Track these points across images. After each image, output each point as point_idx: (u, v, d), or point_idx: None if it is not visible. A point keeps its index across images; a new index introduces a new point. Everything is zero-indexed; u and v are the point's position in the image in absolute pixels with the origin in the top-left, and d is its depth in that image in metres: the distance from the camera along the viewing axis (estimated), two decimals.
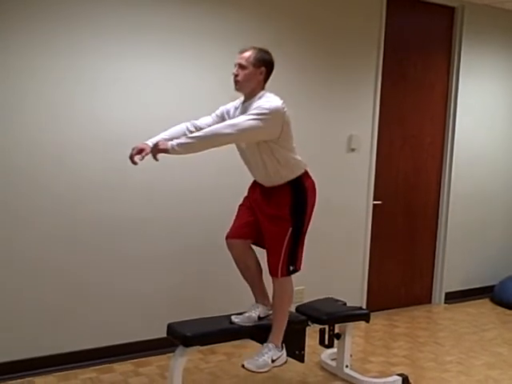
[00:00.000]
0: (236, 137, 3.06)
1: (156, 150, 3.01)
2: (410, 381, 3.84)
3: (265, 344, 3.33)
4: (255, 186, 3.46)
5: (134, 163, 3.12)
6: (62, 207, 3.77)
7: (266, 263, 3.35)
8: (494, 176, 6.05)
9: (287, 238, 3.26)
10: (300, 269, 3.40)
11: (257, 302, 3.50)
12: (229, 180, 4.25)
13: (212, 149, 3.14)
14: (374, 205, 5.23)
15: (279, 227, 3.26)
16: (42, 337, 3.79)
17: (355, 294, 5.17)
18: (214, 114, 3.46)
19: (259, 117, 3.04)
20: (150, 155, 3.08)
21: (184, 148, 2.99)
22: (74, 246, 3.84)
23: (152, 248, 4.12)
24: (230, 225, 3.51)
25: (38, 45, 3.59)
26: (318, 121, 4.77)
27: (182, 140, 2.99)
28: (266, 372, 3.31)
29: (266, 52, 3.28)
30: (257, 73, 3.21)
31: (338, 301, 4.05)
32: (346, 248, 5.09)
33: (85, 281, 3.90)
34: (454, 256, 5.80)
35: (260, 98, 3.19)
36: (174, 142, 2.99)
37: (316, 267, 4.82)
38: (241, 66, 3.20)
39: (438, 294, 5.79)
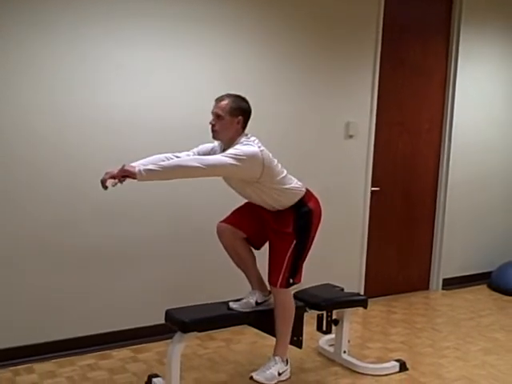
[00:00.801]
0: (204, 171, 2.99)
1: (122, 171, 2.94)
2: (408, 366, 3.87)
3: (271, 357, 3.37)
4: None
5: (105, 187, 3.02)
6: (61, 195, 3.77)
7: (267, 271, 3.36)
8: (492, 162, 6.05)
9: (290, 251, 3.29)
10: (300, 281, 3.42)
11: (253, 288, 3.51)
12: None
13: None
14: (372, 191, 5.23)
15: (283, 241, 3.29)
16: (41, 323, 3.80)
17: (353, 280, 5.18)
18: (194, 150, 3.41)
19: (232, 156, 3.01)
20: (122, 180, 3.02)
21: (150, 175, 2.92)
22: (72, 233, 3.83)
23: (150, 234, 4.11)
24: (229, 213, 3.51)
25: (37, 33, 3.56)
26: (316, 107, 4.75)
27: (150, 166, 2.93)
28: None
29: (243, 99, 3.24)
30: (234, 122, 3.17)
31: (335, 287, 4.06)
32: (343, 234, 5.09)
33: (83, 267, 3.90)
34: (451, 242, 5.82)
35: (238, 144, 3.16)
36: (142, 167, 2.92)
37: (314, 253, 4.80)
38: (218, 116, 3.17)
39: (436, 280, 5.81)
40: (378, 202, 5.31)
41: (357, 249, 5.21)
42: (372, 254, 5.33)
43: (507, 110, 6.06)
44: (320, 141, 4.80)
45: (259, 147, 3.13)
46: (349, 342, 3.97)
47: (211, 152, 3.34)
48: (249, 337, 4.31)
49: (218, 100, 3.21)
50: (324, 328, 3.86)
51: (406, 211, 5.56)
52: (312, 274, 4.70)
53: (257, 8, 4.34)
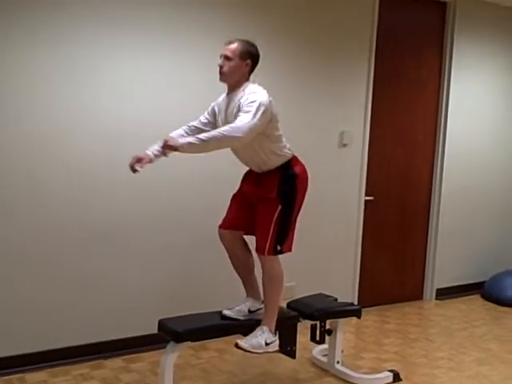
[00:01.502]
0: (244, 139, 3.05)
1: (166, 146, 3.02)
2: (401, 377, 3.86)
3: (259, 326, 3.32)
4: (246, 176, 3.50)
5: (135, 171, 3.18)
6: (57, 203, 3.76)
7: (255, 242, 3.35)
8: (486, 173, 6.07)
9: (276, 216, 3.26)
10: (289, 251, 3.38)
11: (247, 295, 3.51)
12: (220, 175, 4.24)
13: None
14: (366, 200, 5.24)
15: (268, 206, 3.28)
16: (34, 333, 3.78)
17: (346, 290, 5.18)
18: (205, 113, 3.48)
19: (257, 112, 3.05)
20: (150, 163, 3.21)
21: (193, 147, 2.99)
22: (67, 243, 3.82)
23: (143, 244, 4.11)
24: (223, 216, 3.52)
25: (35, 41, 3.57)
26: (310, 116, 4.77)
27: (192, 139, 2.99)
28: (259, 354, 3.29)
29: (252, 45, 3.29)
30: (242, 65, 3.22)
31: (329, 297, 4.05)
32: (337, 244, 5.09)
33: (77, 277, 3.89)
34: (445, 252, 5.82)
35: (244, 89, 3.20)
36: (184, 140, 3.01)
37: (307, 263, 4.83)
38: (226, 58, 3.21)
39: (429, 291, 5.81)
40: (371, 212, 5.32)
41: (350, 258, 5.21)
42: (366, 263, 5.33)
43: (501, 121, 6.09)
44: (314, 149, 4.81)
45: (267, 94, 3.18)
46: (342, 352, 3.96)
47: (215, 108, 3.41)
48: None
49: (228, 43, 3.25)
50: (317, 338, 3.86)
51: (399, 221, 5.56)
52: (305, 284, 4.71)
53: (251, 18, 4.35)
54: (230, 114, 3.23)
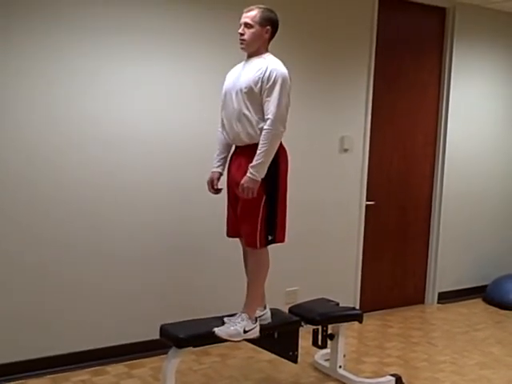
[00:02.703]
0: (284, 127, 3.16)
1: (245, 191, 3.10)
2: (404, 381, 3.85)
3: (238, 313, 3.29)
4: (229, 166, 3.44)
5: (217, 191, 3.46)
6: (56, 209, 3.76)
7: (243, 237, 3.31)
8: (487, 176, 6.07)
9: (262, 206, 3.20)
10: (282, 241, 3.32)
11: None
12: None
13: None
14: (367, 205, 5.24)
15: (252, 198, 3.16)
16: (35, 339, 3.77)
17: (348, 295, 5.17)
18: (220, 127, 3.48)
19: (284, 91, 3.15)
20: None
21: (262, 168, 3.10)
22: (66, 248, 3.82)
23: (145, 249, 4.11)
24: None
25: (34, 45, 3.58)
26: (311, 121, 4.77)
27: (255, 163, 3.08)
28: (237, 341, 3.26)
29: (272, 11, 3.29)
30: (263, 32, 3.23)
31: (330, 301, 4.05)
32: (338, 248, 5.09)
33: (78, 283, 3.89)
34: (446, 256, 5.82)
35: (265, 58, 3.22)
36: (250, 170, 3.09)
37: (309, 268, 4.82)
38: (247, 25, 3.21)
39: (431, 294, 5.81)
40: (372, 216, 5.32)
41: (352, 263, 5.21)
42: (367, 267, 5.33)
43: (501, 125, 6.09)
44: (315, 155, 4.81)
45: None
46: (344, 356, 3.95)
47: (226, 93, 3.37)
48: (244, 352, 4.29)
49: (247, 11, 3.25)
50: (319, 343, 3.85)
51: (401, 225, 5.56)
52: (307, 289, 4.71)
53: None
54: (246, 74, 3.23)
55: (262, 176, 3.10)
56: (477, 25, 5.70)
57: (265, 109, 3.15)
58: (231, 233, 3.49)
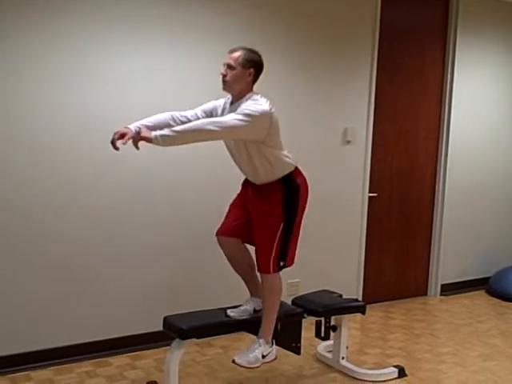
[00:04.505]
0: (220, 134, 3.01)
1: (138, 137, 2.95)
2: (406, 372, 3.86)
3: (255, 339, 3.33)
4: (247, 183, 3.44)
5: (116, 149, 3.01)
6: (59, 201, 3.76)
7: (255, 258, 3.34)
8: (490, 168, 6.06)
9: (279, 233, 3.24)
10: (291, 265, 3.38)
11: (252, 295, 3.51)
12: (223, 172, 4.24)
13: (201, 143, 3.13)
14: (370, 197, 5.24)
15: (271, 223, 3.24)
16: (38, 330, 3.79)
17: (351, 286, 5.18)
18: (199, 109, 3.38)
19: (246, 118, 3.00)
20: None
21: (166, 140, 2.92)
22: (68, 240, 3.83)
23: (148, 241, 4.11)
24: (221, 221, 3.51)
25: (36, 41, 3.57)
26: (314, 113, 4.76)
27: (165, 132, 2.92)
28: (256, 367, 3.30)
29: (256, 53, 3.23)
30: (245, 74, 3.17)
31: (333, 293, 4.05)
32: (341, 240, 5.09)
33: (81, 275, 3.89)
34: (449, 248, 5.82)
35: (248, 99, 3.15)
36: (158, 132, 2.93)
37: (312, 259, 4.83)
38: (229, 67, 3.16)
39: (434, 286, 5.81)
40: (375, 208, 5.31)
41: (355, 254, 5.21)
42: (370, 259, 5.33)
43: (504, 116, 6.07)
44: (317, 146, 4.81)
45: (270, 107, 3.13)
46: (347, 348, 3.96)
47: (214, 109, 3.33)
48: (247, 343, 4.28)
49: (231, 51, 3.20)
50: (322, 334, 3.86)
51: (403, 217, 5.56)
52: (310, 280, 4.72)
53: (255, 17, 4.35)
54: None
55: (159, 144, 2.94)
56: (480, 16, 5.68)
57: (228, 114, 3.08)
58: (224, 233, 3.45)
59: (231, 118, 3.01)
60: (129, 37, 3.88)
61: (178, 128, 2.96)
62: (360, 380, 3.76)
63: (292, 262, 3.39)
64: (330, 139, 4.89)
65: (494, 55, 5.88)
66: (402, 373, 3.83)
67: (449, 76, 5.58)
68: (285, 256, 3.30)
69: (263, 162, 3.20)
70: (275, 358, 3.41)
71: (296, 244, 3.37)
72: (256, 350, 3.27)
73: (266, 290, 3.32)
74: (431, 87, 5.56)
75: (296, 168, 3.36)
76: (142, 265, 4.11)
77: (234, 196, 3.52)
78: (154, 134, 2.92)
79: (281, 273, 3.35)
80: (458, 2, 5.48)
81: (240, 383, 3.66)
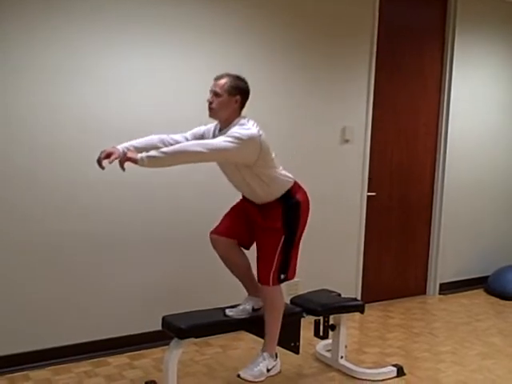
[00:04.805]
0: (206, 156, 2.99)
1: (124, 158, 2.93)
2: (405, 371, 3.86)
3: (259, 353, 3.34)
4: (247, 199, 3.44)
5: (102, 168, 3.01)
6: (59, 201, 3.76)
7: (256, 270, 3.34)
8: (489, 167, 6.06)
9: (279, 247, 3.25)
10: (292, 278, 3.39)
11: (249, 294, 3.51)
12: (221, 174, 4.23)
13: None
14: (368, 196, 5.24)
15: (272, 237, 3.26)
16: (37, 330, 3.78)
17: (350, 286, 5.18)
18: (190, 133, 3.38)
19: (234, 141, 3.00)
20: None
21: (152, 162, 2.91)
22: (67, 240, 3.82)
23: (147, 241, 4.11)
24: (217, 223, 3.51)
25: (35, 40, 3.57)
26: (312, 112, 4.76)
27: (152, 153, 2.91)
28: (261, 381, 3.31)
29: (242, 79, 3.23)
30: (232, 101, 3.16)
31: (332, 292, 4.05)
32: (340, 239, 5.09)
33: (80, 274, 3.89)
34: (448, 247, 5.82)
35: (235, 125, 3.14)
36: (144, 154, 2.91)
37: (310, 259, 4.82)
38: (216, 94, 3.15)
39: (433, 285, 5.81)
40: (374, 207, 5.31)
41: (353, 254, 5.21)
42: (368, 258, 5.33)
43: (503, 114, 6.08)
44: (316, 145, 4.81)
45: (258, 131, 3.12)
46: (346, 347, 3.96)
47: (205, 133, 3.32)
48: (246, 343, 4.30)
49: (217, 78, 3.20)
50: (321, 333, 3.86)
51: (402, 216, 5.56)
52: (309, 280, 4.71)
53: (254, 16, 4.34)
54: None
55: (145, 166, 2.94)
56: (478, 14, 5.68)
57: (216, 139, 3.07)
58: (219, 232, 3.44)
59: (220, 141, 3.02)
60: (129, 37, 3.88)
61: (165, 149, 2.94)
62: (359, 379, 3.76)
63: (294, 275, 3.39)
64: (328, 138, 4.89)
65: (493, 53, 5.88)
66: (400, 372, 3.83)
67: (447, 74, 5.58)
68: (286, 269, 3.31)
69: (259, 183, 3.21)
70: (280, 372, 3.43)
71: (297, 256, 3.39)
72: (260, 364, 3.29)
73: (267, 303, 3.34)
74: (430, 85, 5.56)
75: (295, 183, 3.37)
76: (141, 265, 4.11)
77: (234, 196, 3.52)
78: (140, 155, 2.91)
79: None
80: (457, 0, 5.48)
81: (239, 383, 3.66)
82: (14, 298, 3.69)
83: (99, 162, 3.01)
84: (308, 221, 3.40)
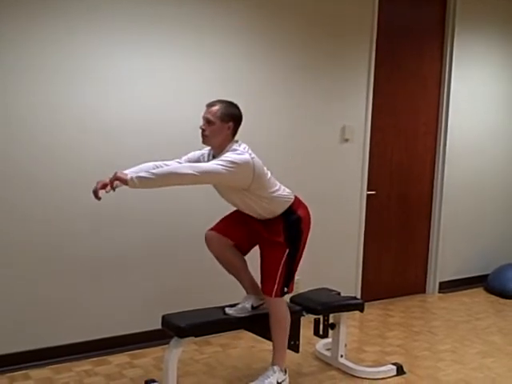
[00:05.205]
0: (198, 178, 3.00)
1: (114, 177, 2.96)
2: (405, 370, 3.87)
3: (270, 367, 3.38)
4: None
5: (98, 198, 3.05)
6: (61, 202, 3.76)
7: (260, 281, 3.37)
8: (488, 166, 6.07)
9: (283, 261, 3.28)
10: (292, 291, 3.43)
11: (248, 293, 3.52)
12: None
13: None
14: (368, 195, 5.24)
15: (276, 251, 3.29)
16: (37, 329, 3.79)
17: (349, 284, 5.18)
18: (184, 158, 3.41)
19: (227, 164, 3.01)
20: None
21: (142, 182, 2.93)
22: (68, 240, 3.83)
23: (147, 241, 4.11)
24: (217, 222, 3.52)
25: (34, 41, 3.57)
26: (312, 111, 4.76)
27: (142, 174, 2.93)
28: None
29: (235, 106, 3.25)
30: (224, 127, 3.17)
31: (332, 291, 4.06)
32: (340, 238, 5.09)
33: (80, 274, 3.89)
34: (447, 245, 5.83)
35: (228, 151, 3.16)
36: (134, 174, 2.93)
37: (310, 258, 4.82)
38: (208, 121, 3.17)
39: (432, 284, 5.82)
40: (374, 206, 5.32)
41: (353, 252, 5.21)
42: (368, 257, 5.34)
43: (503, 114, 6.08)
44: (316, 145, 4.81)
45: (250, 154, 3.13)
46: (346, 345, 3.96)
47: (200, 159, 3.35)
48: (246, 341, 4.31)
49: (209, 105, 3.21)
50: (321, 332, 3.86)
51: (402, 214, 5.56)
52: (309, 278, 4.72)
53: (253, 17, 4.35)
54: None
55: (136, 187, 2.97)
56: (478, 13, 5.68)
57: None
58: (216, 229, 3.46)
59: (212, 163, 3.04)
60: (129, 37, 3.88)
61: (155, 171, 2.95)
62: (359, 378, 3.76)
63: (293, 288, 3.43)
64: (328, 137, 4.89)
65: (492, 53, 5.88)
66: (400, 370, 3.84)
67: (447, 73, 5.58)
68: (289, 282, 3.36)
69: (258, 202, 3.23)
70: None
71: (296, 270, 3.42)
72: (271, 377, 3.33)
73: (272, 316, 3.36)
74: (429, 85, 5.56)
75: (296, 199, 3.39)
76: (141, 264, 4.11)
77: None
78: (130, 175, 2.92)
79: None
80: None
81: (239, 381, 3.67)
82: (14, 297, 3.69)
83: (95, 192, 3.05)
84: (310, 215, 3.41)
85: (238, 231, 3.43)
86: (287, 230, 3.29)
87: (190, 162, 3.35)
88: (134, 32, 3.90)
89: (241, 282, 3.53)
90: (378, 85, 5.15)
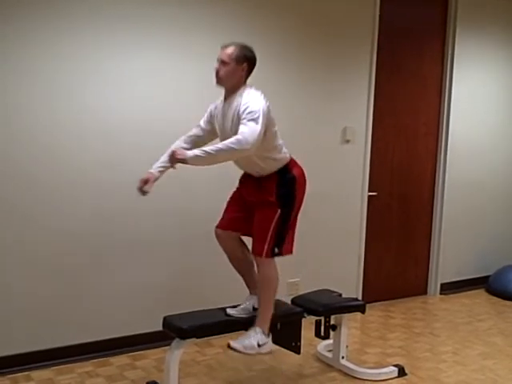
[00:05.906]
0: (251, 150, 3.03)
1: (174, 159, 3.00)
2: (406, 371, 3.86)
3: (251, 327, 3.32)
4: (244, 179, 3.48)
5: (145, 193, 3.24)
6: (56, 200, 3.76)
7: (251, 243, 3.36)
8: (489, 166, 6.06)
9: (275, 220, 3.26)
10: (290, 253, 3.38)
11: (251, 293, 3.51)
12: (224, 172, 4.23)
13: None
14: (369, 196, 5.24)
15: (267, 210, 3.27)
16: (39, 331, 3.78)
17: (351, 286, 5.18)
18: (202, 122, 3.44)
19: (258, 122, 3.02)
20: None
21: (200, 160, 2.98)
22: (68, 240, 3.82)
23: (148, 241, 4.11)
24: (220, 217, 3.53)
25: (35, 41, 3.57)
26: (313, 112, 4.76)
27: (198, 152, 2.97)
28: (251, 354, 3.29)
29: (249, 48, 3.25)
30: (239, 69, 3.19)
31: (333, 292, 4.05)
32: (341, 239, 5.09)
33: (81, 275, 3.89)
34: (449, 247, 5.82)
35: (242, 94, 3.16)
36: (191, 152, 2.99)
37: (311, 259, 4.83)
38: (223, 62, 3.18)
39: (434, 285, 5.81)
40: (375, 207, 5.31)
41: (354, 254, 5.21)
42: (369, 258, 5.33)
43: (503, 114, 6.08)
44: (317, 146, 4.81)
45: (263, 98, 3.16)
46: (347, 347, 3.96)
47: (212, 116, 3.38)
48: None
49: (224, 47, 3.23)
50: (322, 333, 3.86)
51: (403, 216, 5.56)
52: (309, 280, 4.72)
53: (253, 16, 4.35)
54: (229, 120, 3.20)
55: (193, 164, 3.03)
56: (479, 14, 5.68)
57: (239, 129, 3.06)
58: (222, 226, 3.48)
59: (250, 131, 3.00)
60: (129, 37, 3.88)
61: (209, 149, 2.98)
62: (360, 379, 3.76)
63: (288, 252, 3.38)
64: (329, 138, 4.89)
65: (493, 53, 5.88)
66: (401, 372, 3.83)
67: (448, 74, 5.58)
68: (280, 243, 3.31)
69: (257, 159, 3.23)
70: (270, 352, 3.40)
71: (293, 234, 3.39)
72: (252, 337, 3.26)
73: (261, 279, 3.34)
74: (430, 85, 5.55)
75: (291, 160, 3.40)
76: (142, 264, 4.11)
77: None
78: (188, 154, 2.99)
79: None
80: (457, 0, 5.48)
81: (240, 383, 3.67)
82: (15, 298, 3.69)
83: (140, 190, 3.22)
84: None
85: (241, 217, 3.44)
86: (280, 188, 3.28)
87: (207, 121, 3.41)
88: (135, 33, 3.90)
89: (245, 281, 3.53)
90: (379, 86, 5.14)
